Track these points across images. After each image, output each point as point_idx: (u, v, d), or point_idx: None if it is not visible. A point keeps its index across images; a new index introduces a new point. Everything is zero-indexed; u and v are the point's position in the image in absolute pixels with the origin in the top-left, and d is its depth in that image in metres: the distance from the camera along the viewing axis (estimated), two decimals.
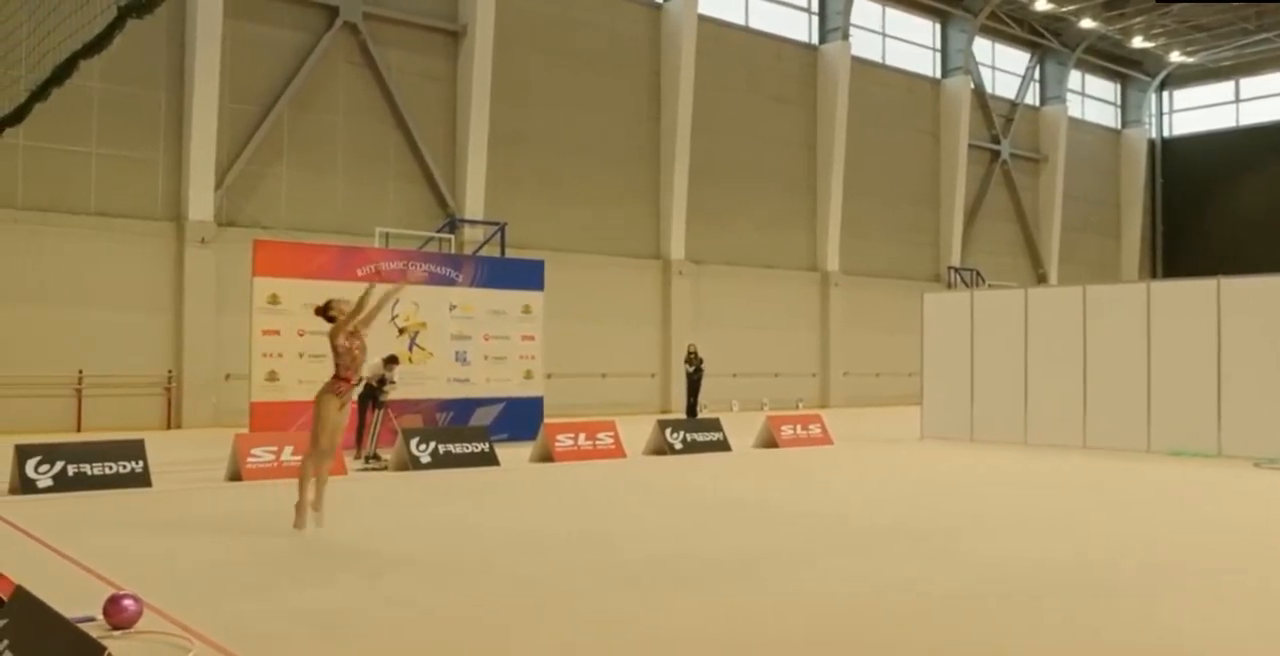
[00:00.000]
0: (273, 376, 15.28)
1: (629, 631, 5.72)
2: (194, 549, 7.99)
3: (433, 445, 13.63)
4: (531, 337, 18.15)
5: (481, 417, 17.04)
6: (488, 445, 14.15)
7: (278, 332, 15.42)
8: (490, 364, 17.51)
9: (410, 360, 16.40)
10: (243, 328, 16.42)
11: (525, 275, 18.41)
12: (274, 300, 15.41)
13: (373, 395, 14.54)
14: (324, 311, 8.94)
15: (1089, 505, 10.77)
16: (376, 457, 14.01)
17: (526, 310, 18.10)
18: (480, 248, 23.43)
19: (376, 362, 14.76)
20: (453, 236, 23.23)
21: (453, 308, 17.25)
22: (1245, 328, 15.76)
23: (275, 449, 12.48)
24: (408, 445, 13.47)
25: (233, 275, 19.97)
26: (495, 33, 24.64)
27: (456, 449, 13.78)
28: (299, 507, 8.63)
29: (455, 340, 17.28)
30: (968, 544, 8.38)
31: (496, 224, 23.26)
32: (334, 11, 22.77)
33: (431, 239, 22.52)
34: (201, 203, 20.95)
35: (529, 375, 18.02)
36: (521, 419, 17.34)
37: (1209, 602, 6.41)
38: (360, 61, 23.44)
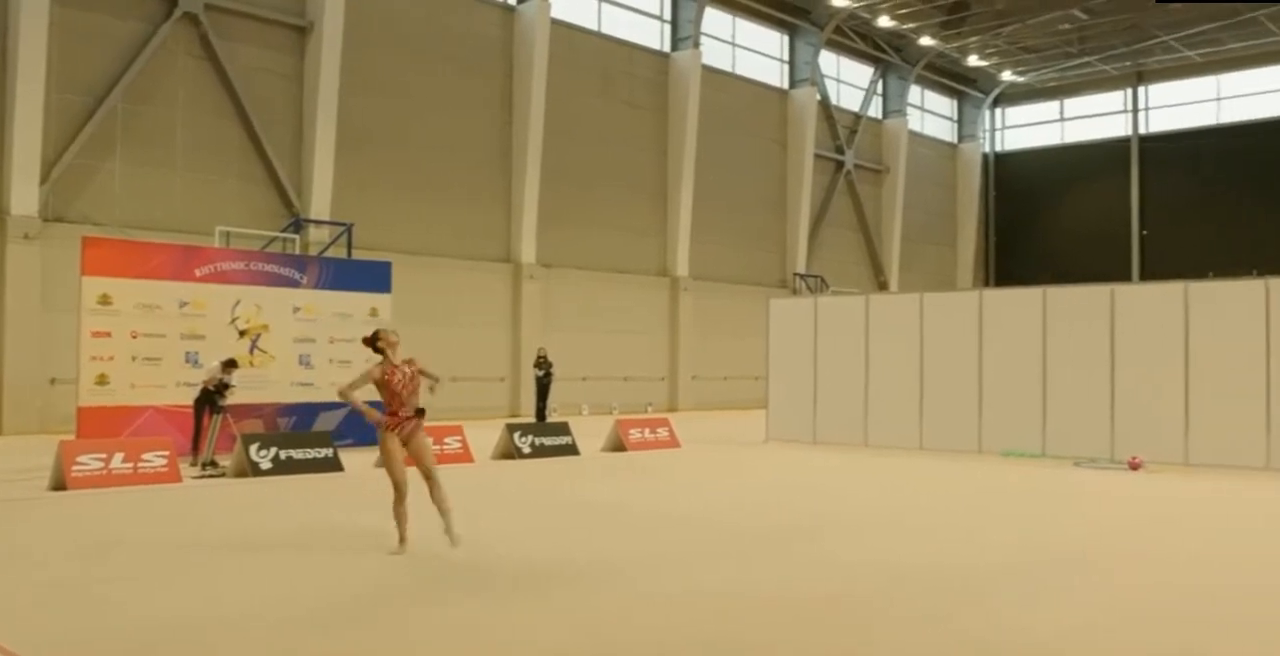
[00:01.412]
0: (103, 380, 14.63)
1: (489, 637, 5.69)
2: (13, 563, 7.59)
3: (274, 451, 13.28)
4: None
5: (326, 422, 16.66)
6: (332, 450, 13.85)
7: (109, 335, 14.77)
8: (335, 367, 17.10)
9: (251, 363, 15.94)
10: (70, 329, 15.65)
11: (372, 277, 18.10)
12: (105, 300, 14.75)
13: (210, 399, 14.11)
14: (371, 342, 8.34)
15: (930, 506, 11.23)
16: (214, 464, 13.57)
17: (374, 313, 17.78)
18: (326, 249, 22.87)
19: (214, 366, 14.34)
20: (297, 237, 22.62)
21: (296, 310, 16.82)
22: (1067, 334, 16.64)
23: (104, 456, 11.93)
24: (247, 451, 13.08)
25: (60, 274, 18.97)
26: (344, 30, 24.09)
27: (299, 454, 13.45)
28: (402, 541, 8.12)
29: (299, 343, 16.86)
30: (824, 545, 8.63)
31: (343, 225, 22.75)
32: (172, 2, 21.91)
33: (275, 239, 21.88)
34: (25, 197, 19.84)
35: None
36: (366, 424, 16.96)
37: (1052, 598, 6.75)
38: (201, 54, 22.59)
